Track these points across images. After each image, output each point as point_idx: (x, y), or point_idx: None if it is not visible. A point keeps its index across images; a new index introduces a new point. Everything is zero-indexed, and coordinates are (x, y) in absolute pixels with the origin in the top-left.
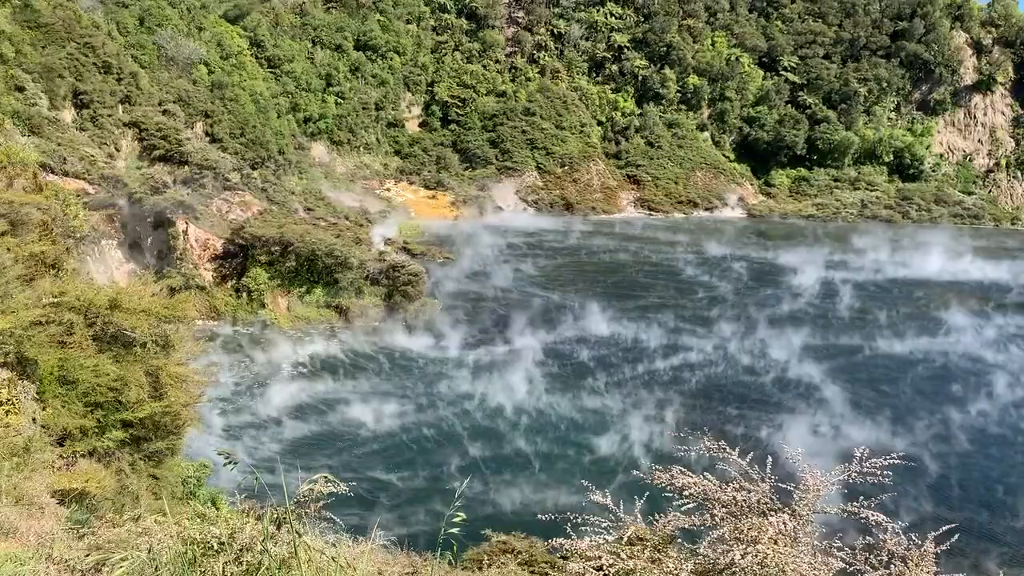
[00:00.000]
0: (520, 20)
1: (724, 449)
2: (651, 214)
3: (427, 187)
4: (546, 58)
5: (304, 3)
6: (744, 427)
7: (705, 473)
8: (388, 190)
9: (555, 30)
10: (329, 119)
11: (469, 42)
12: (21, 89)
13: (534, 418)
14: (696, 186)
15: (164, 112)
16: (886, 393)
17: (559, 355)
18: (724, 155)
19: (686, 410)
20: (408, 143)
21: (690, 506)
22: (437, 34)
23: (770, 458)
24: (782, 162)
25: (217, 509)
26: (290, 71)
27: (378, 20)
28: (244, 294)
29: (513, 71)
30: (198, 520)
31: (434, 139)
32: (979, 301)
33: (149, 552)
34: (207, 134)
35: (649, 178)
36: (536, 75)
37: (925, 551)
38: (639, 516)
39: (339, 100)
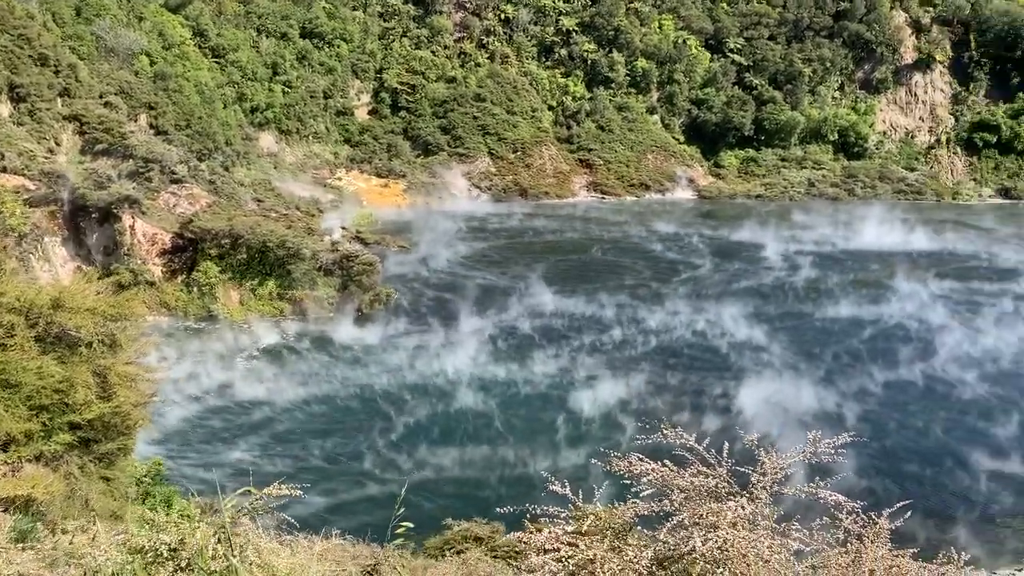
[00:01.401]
0: (468, 5)
1: (681, 435)
2: (604, 197)
3: (379, 175)
4: (495, 43)
5: None
6: (701, 394)
7: (665, 461)
8: (339, 179)
9: (503, 15)
10: (277, 108)
11: (417, 28)
12: None
13: (484, 390)
14: (648, 169)
15: (106, 105)
16: (838, 357)
17: (518, 331)
18: (674, 137)
19: (643, 375)
20: (358, 131)
21: (649, 492)
22: (384, 20)
23: (726, 443)
24: (731, 143)
25: (170, 511)
26: (235, 60)
27: (324, 7)
28: (195, 288)
29: (462, 57)
30: (147, 526)
31: (384, 127)
32: (922, 270)
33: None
34: (151, 126)
35: (601, 162)
36: (486, 61)
37: (880, 528)
38: (599, 504)
39: (286, 89)
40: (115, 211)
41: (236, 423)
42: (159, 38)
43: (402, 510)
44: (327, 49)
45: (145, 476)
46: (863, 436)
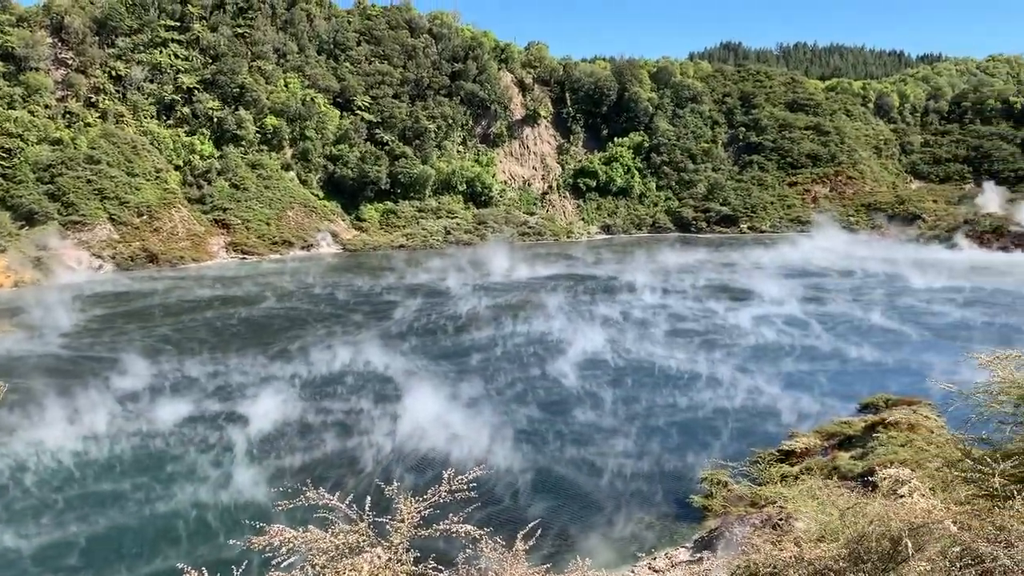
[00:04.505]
0: (70, 62)
1: (324, 496)
2: (245, 258)
3: None
4: (106, 102)
5: None
6: (358, 427)
7: (309, 526)
8: None
9: (114, 72)
10: None
11: (9, 86)
12: None
13: (110, 461)
14: (289, 226)
15: None
16: (489, 370)
17: (147, 395)
18: (313, 193)
19: (298, 409)
20: None
21: (292, 560)
22: None
23: (369, 497)
24: (370, 197)
25: None
26: None
27: None
28: None
29: (69, 116)
30: None
31: None
32: (544, 292)
33: None
34: None
35: (239, 221)
36: (97, 120)
37: (517, 551)
38: None
39: None
40: None
41: None
42: None
43: None
44: None
45: None
46: (507, 435)
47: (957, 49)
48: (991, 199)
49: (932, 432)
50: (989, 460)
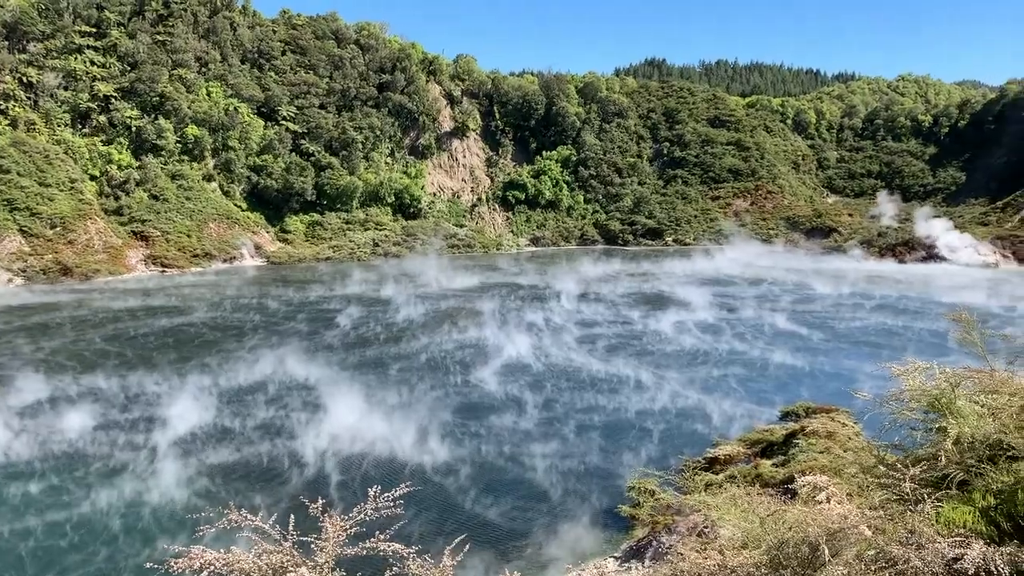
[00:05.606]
0: None
1: (246, 516)
2: (165, 271)
3: None
4: (16, 109)
5: None
6: (285, 432)
7: (233, 547)
8: None
9: (25, 78)
10: None
11: None
12: None
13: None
14: (211, 238)
15: None
16: (412, 376)
17: (49, 408)
18: (236, 204)
19: (215, 416)
20: None
21: None
22: None
23: (292, 517)
24: (295, 208)
25: None
26: None
27: None
28: None
29: None
30: None
31: None
32: (475, 299)
33: None
34: None
35: (158, 233)
36: (7, 128)
37: (444, 567)
38: None
39: None
40: None
41: None
42: None
43: None
44: None
45: None
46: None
47: (869, 69)
48: (887, 210)
49: (849, 439)
50: (900, 465)
